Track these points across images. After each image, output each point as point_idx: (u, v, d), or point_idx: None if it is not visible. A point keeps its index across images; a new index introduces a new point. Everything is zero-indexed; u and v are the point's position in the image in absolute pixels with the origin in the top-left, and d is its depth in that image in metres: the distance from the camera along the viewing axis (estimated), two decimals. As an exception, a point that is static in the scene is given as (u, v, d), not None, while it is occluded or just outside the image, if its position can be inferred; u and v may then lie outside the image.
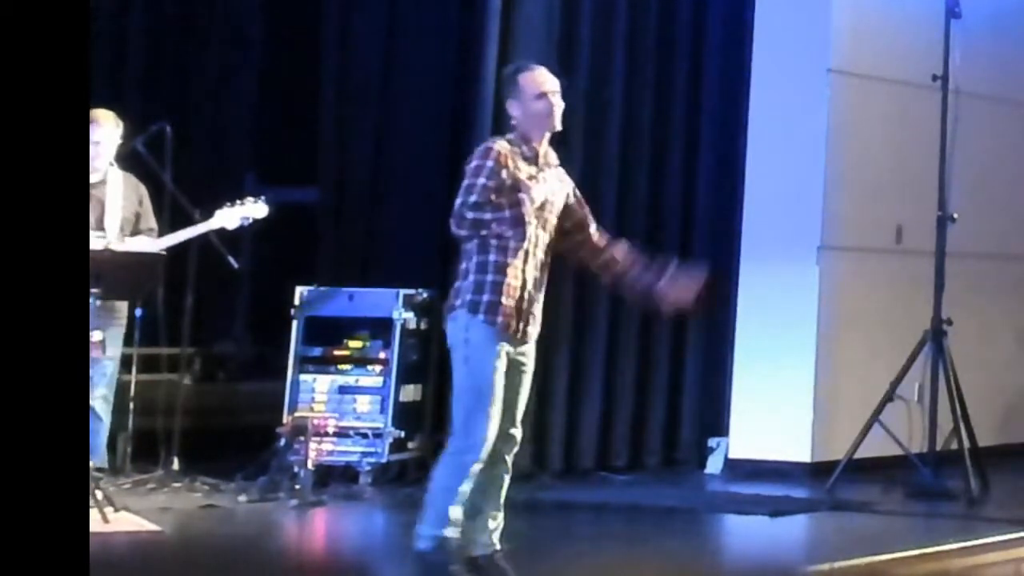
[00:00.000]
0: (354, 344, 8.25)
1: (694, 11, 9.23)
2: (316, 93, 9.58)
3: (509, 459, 5.93)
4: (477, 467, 5.78)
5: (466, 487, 5.80)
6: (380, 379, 8.17)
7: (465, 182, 5.77)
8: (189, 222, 7.89)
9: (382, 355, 8.19)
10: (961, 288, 8.74)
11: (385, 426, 8.10)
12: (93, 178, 7.52)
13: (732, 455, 8.96)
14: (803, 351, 8.86)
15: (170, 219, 7.97)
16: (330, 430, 8.03)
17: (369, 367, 8.21)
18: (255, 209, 7.91)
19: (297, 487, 7.65)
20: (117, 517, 6.80)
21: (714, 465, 9.01)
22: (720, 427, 9.07)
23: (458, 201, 5.74)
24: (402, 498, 7.78)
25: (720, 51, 9.26)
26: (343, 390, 8.20)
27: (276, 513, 7.51)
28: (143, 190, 7.88)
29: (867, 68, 9.06)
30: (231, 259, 8.17)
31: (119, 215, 7.71)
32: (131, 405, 7.94)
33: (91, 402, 7.37)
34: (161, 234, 7.87)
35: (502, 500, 5.95)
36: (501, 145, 5.84)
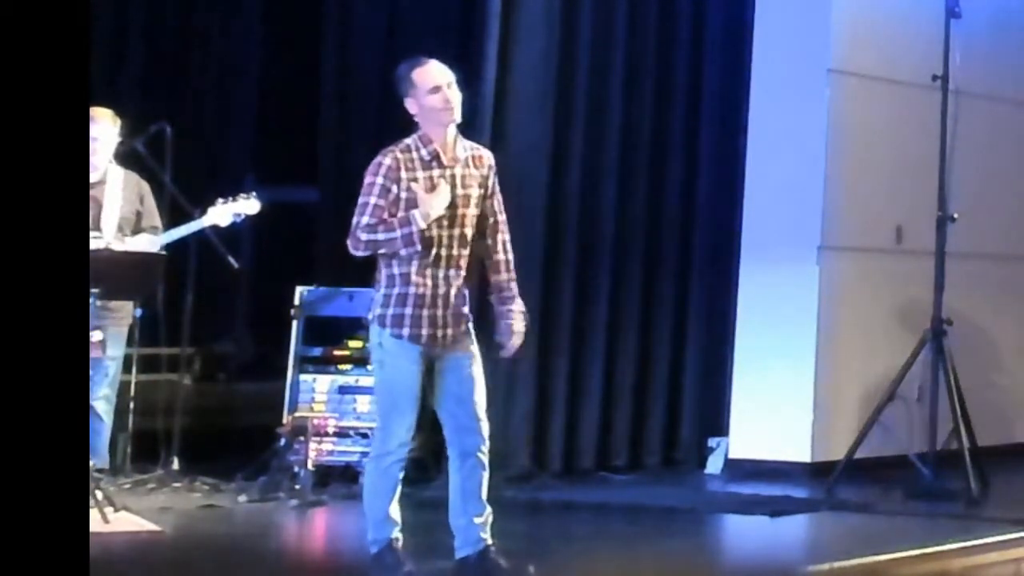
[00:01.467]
0: (354, 344, 8.25)
1: (694, 11, 9.23)
2: (316, 93, 9.59)
3: (482, 456, 5.95)
4: (398, 468, 5.93)
5: (396, 487, 5.95)
6: (380, 379, 8.15)
7: (360, 200, 5.86)
8: (188, 222, 7.89)
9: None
10: (961, 288, 8.74)
11: (385, 426, 8.08)
12: (92, 177, 7.51)
13: (732, 455, 8.96)
14: (803, 351, 8.86)
15: (170, 219, 7.97)
16: (330, 430, 8.03)
17: (369, 367, 8.19)
18: (247, 205, 7.91)
19: (297, 487, 7.65)
20: (117, 517, 6.80)
21: (714, 465, 9.01)
22: (720, 427, 9.07)
23: (353, 221, 5.84)
24: (402, 498, 7.78)
25: (720, 51, 9.26)
26: (343, 390, 8.20)
27: (276, 513, 7.51)
28: (145, 188, 7.87)
29: (867, 68, 9.06)
30: (231, 259, 8.18)
31: (117, 215, 7.70)
32: (131, 405, 7.95)
33: (92, 402, 7.37)
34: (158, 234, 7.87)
35: (483, 496, 5.97)
36: (392, 158, 5.87)
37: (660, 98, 9.11)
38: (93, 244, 7.37)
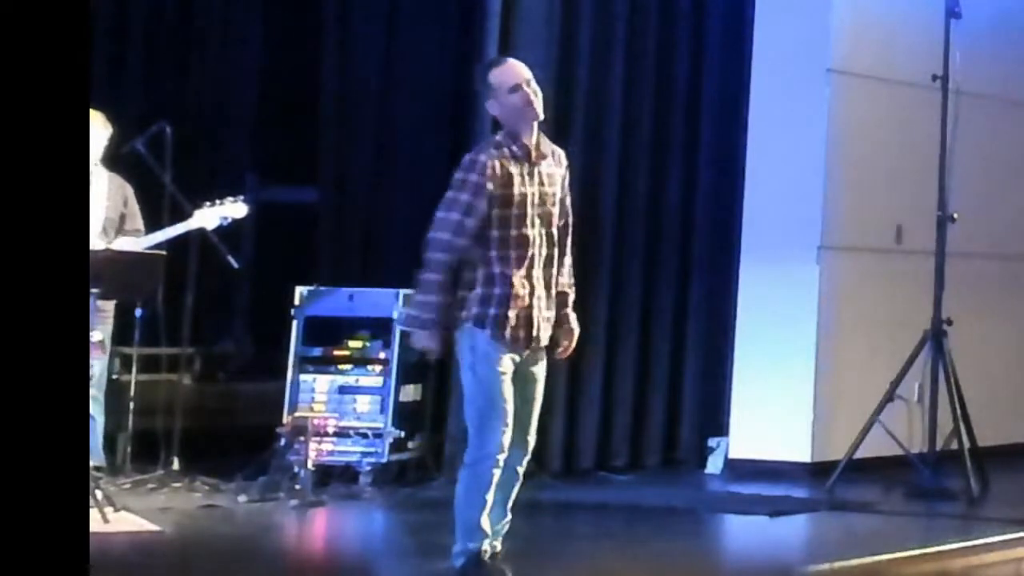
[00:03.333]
0: (354, 344, 8.25)
1: (694, 11, 9.23)
2: (316, 93, 9.58)
3: (520, 469, 5.92)
4: (495, 473, 5.77)
5: (489, 495, 5.79)
6: (380, 379, 8.16)
7: (448, 195, 5.76)
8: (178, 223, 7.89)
9: (382, 355, 8.19)
10: (961, 288, 8.74)
11: (385, 426, 8.10)
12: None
13: (732, 455, 8.96)
14: (803, 351, 8.86)
15: (170, 219, 7.97)
16: (330, 430, 8.02)
17: (369, 367, 8.21)
18: (234, 209, 7.90)
19: (297, 487, 7.65)
20: (117, 517, 6.80)
21: (714, 465, 9.01)
22: (720, 427, 9.07)
23: (436, 224, 5.74)
24: (402, 498, 7.79)
25: (720, 51, 9.26)
26: (343, 390, 8.20)
27: (276, 513, 7.50)
28: (129, 190, 7.88)
29: (867, 68, 9.06)
30: (231, 259, 8.17)
31: (102, 215, 7.70)
32: (131, 405, 7.94)
33: (88, 402, 7.37)
34: (146, 234, 7.87)
35: (508, 506, 5.94)
36: (488, 155, 5.77)
37: (660, 98, 9.11)
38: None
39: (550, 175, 5.88)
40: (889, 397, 8.35)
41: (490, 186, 5.73)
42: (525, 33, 8.46)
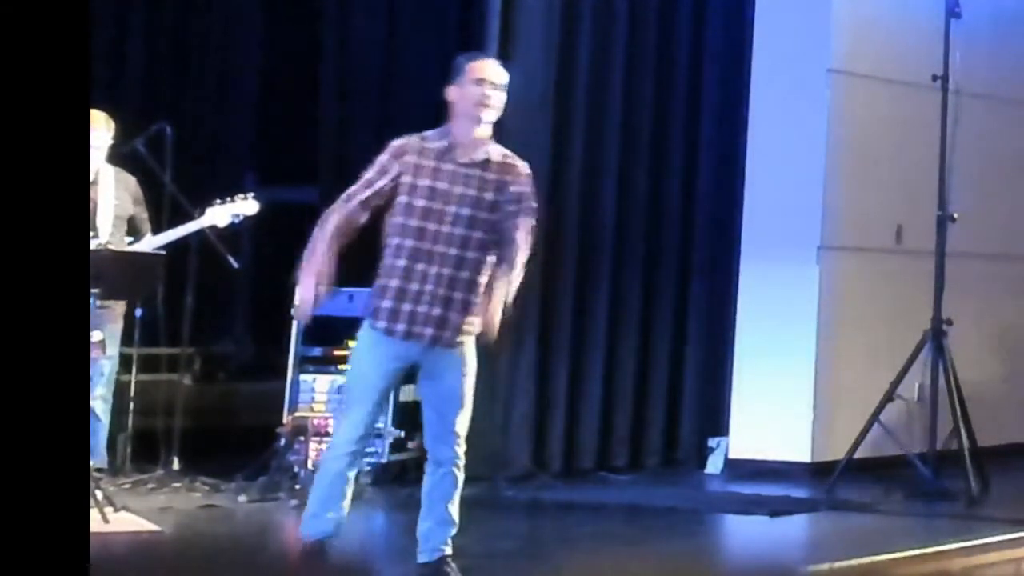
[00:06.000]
0: (354, 344, 8.23)
1: (694, 11, 9.23)
2: (316, 93, 9.58)
3: (455, 470, 5.81)
4: (338, 464, 5.77)
5: (331, 484, 5.79)
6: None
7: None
8: (188, 222, 7.90)
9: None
10: (961, 288, 8.73)
11: (385, 426, 8.09)
12: (86, 178, 7.51)
13: (732, 455, 8.96)
14: (803, 351, 8.86)
15: (170, 219, 7.97)
16: (330, 430, 8.01)
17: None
18: (246, 206, 7.91)
19: (297, 487, 7.64)
20: (117, 517, 6.80)
21: (714, 465, 9.01)
22: (720, 427, 9.07)
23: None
24: (402, 498, 7.78)
25: (720, 51, 9.26)
26: (343, 390, 8.18)
27: (276, 513, 7.50)
28: (138, 189, 7.89)
29: (867, 68, 9.06)
30: (231, 259, 8.17)
31: (111, 214, 7.71)
32: (131, 405, 7.94)
33: (90, 403, 7.37)
34: (155, 233, 7.87)
35: (451, 507, 5.83)
36: (404, 139, 5.81)
37: (660, 98, 9.11)
38: (90, 244, 7.38)
39: (488, 181, 5.77)
40: (889, 397, 8.35)
41: (394, 167, 5.75)
42: (525, 33, 8.46)
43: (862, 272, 9.14)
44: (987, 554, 6.89)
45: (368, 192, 5.78)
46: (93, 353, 6.97)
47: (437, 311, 5.74)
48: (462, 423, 5.82)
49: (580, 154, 8.74)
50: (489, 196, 5.78)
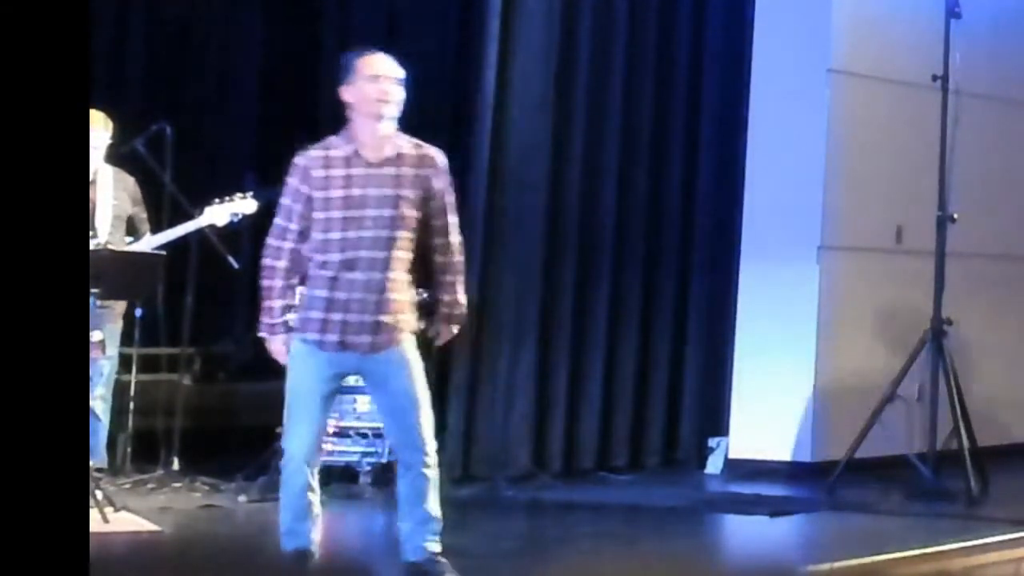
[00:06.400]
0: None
1: (694, 11, 9.23)
2: (316, 93, 9.57)
3: (426, 470, 5.77)
4: (299, 476, 5.79)
5: (293, 500, 5.83)
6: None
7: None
8: (187, 221, 7.90)
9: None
10: (961, 288, 8.74)
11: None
12: (84, 178, 7.52)
13: (732, 455, 8.96)
14: (803, 351, 8.86)
15: (169, 219, 7.97)
16: (330, 430, 8.01)
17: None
18: (244, 205, 7.90)
19: (297, 487, 7.63)
20: (117, 517, 6.81)
21: (714, 465, 9.01)
22: (720, 427, 9.07)
23: (268, 234, 5.82)
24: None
25: (720, 51, 9.26)
26: (343, 390, 8.18)
27: (276, 513, 7.47)
28: (136, 189, 7.89)
29: (867, 68, 9.06)
30: (231, 259, 8.17)
31: (110, 214, 7.71)
32: (131, 405, 7.94)
33: (90, 403, 7.37)
34: (154, 233, 7.87)
35: (429, 506, 5.80)
36: (305, 157, 5.76)
37: (660, 98, 9.11)
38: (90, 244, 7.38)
39: (400, 177, 5.70)
40: (889, 397, 8.35)
41: (304, 189, 5.70)
42: (525, 33, 8.46)
43: (862, 272, 9.14)
44: (987, 554, 6.89)
45: (295, 223, 5.74)
46: (93, 353, 6.96)
47: (369, 317, 5.66)
48: (424, 423, 5.76)
49: (580, 154, 8.74)
50: (408, 192, 5.70)
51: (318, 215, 5.69)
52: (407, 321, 5.74)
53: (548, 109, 8.59)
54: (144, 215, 7.92)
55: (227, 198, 7.88)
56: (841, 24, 8.96)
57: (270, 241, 5.80)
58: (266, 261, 5.79)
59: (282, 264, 5.76)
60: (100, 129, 7.65)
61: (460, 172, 8.66)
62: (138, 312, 7.81)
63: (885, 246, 9.16)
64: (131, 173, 7.98)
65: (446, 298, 5.88)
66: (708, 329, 9.22)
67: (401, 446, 5.83)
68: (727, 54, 9.23)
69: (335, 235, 5.66)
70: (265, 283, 5.78)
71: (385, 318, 5.67)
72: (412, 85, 9.28)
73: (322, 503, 7.63)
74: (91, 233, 7.55)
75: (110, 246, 7.51)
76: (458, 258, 5.87)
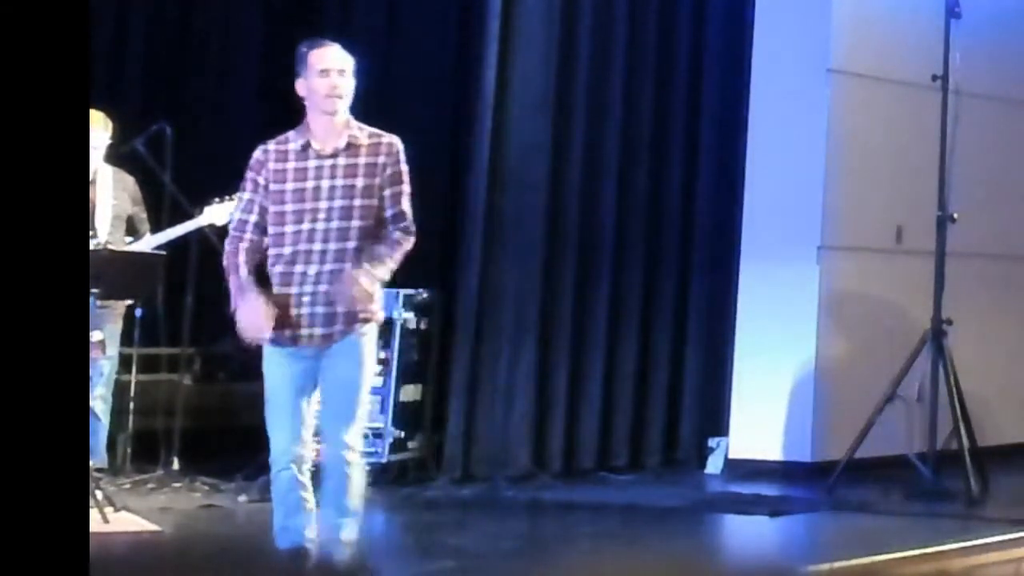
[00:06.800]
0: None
1: (694, 11, 9.23)
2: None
3: (346, 466, 5.71)
4: (287, 473, 5.72)
5: (283, 500, 5.77)
6: (380, 379, 8.14)
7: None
8: (187, 221, 7.90)
9: (382, 355, 8.16)
10: (961, 288, 8.73)
11: (385, 426, 8.10)
12: (84, 178, 7.52)
13: (732, 455, 8.96)
14: (803, 351, 8.86)
15: (169, 219, 7.97)
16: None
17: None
18: None
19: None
20: (117, 517, 6.80)
21: (714, 465, 9.01)
22: (720, 427, 9.07)
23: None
24: (402, 498, 7.78)
25: (720, 51, 9.26)
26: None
27: (275, 513, 7.49)
28: (136, 188, 7.89)
29: (867, 68, 9.06)
30: (231, 259, 8.16)
31: (110, 214, 7.71)
32: (131, 405, 7.94)
33: (90, 403, 7.37)
34: (154, 233, 7.87)
35: (347, 500, 5.75)
36: (261, 151, 5.78)
37: (660, 98, 9.11)
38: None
39: (357, 166, 5.71)
40: (889, 397, 8.35)
41: (261, 181, 5.73)
42: (525, 33, 8.47)
43: (862, 272, 9.14)
44: (987, 554, 6.89)
45: (254, 215, 5.76)
46: (93, 353, 6.97)
47: (321, 310, 5.65)
48: (357, 418, 5.70)
49: (580, 154, 8.74)
50: (361, 182, 5.70)
51: (274, 208, 5.71)
52: (364, 312, 5.71)
53: (548, 109, 8.59)
54: (144, 215, 7.92)
55: (227, 198, 7.88)
56: (841, 24, 8.96)
57: (232, 234, 5.83)
58: (227, 248, 5.82)
59: (243, 247, 5.78)
60: (100, 129, 7.65)
61: (460, 172, 8.69)
62: (138, 312, 7.81)
63: (885, 246, 9.16)
64: (131, 173, 7.98)
65: (368, 266, 5.72)
66: (708, 329, 9.22)
67: (323, 433, 5.77)
68: (727, 54, 9.23)
69: (288, 228, 5.68)
70: (226, 264, 5.81)
71: (338, 309, 5.66)
72: (412, 85, 9.31)
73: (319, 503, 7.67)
74: (91, 233, 7.55)
75: (110, 246, 7.51)
76: (406, 245, 5.79)
